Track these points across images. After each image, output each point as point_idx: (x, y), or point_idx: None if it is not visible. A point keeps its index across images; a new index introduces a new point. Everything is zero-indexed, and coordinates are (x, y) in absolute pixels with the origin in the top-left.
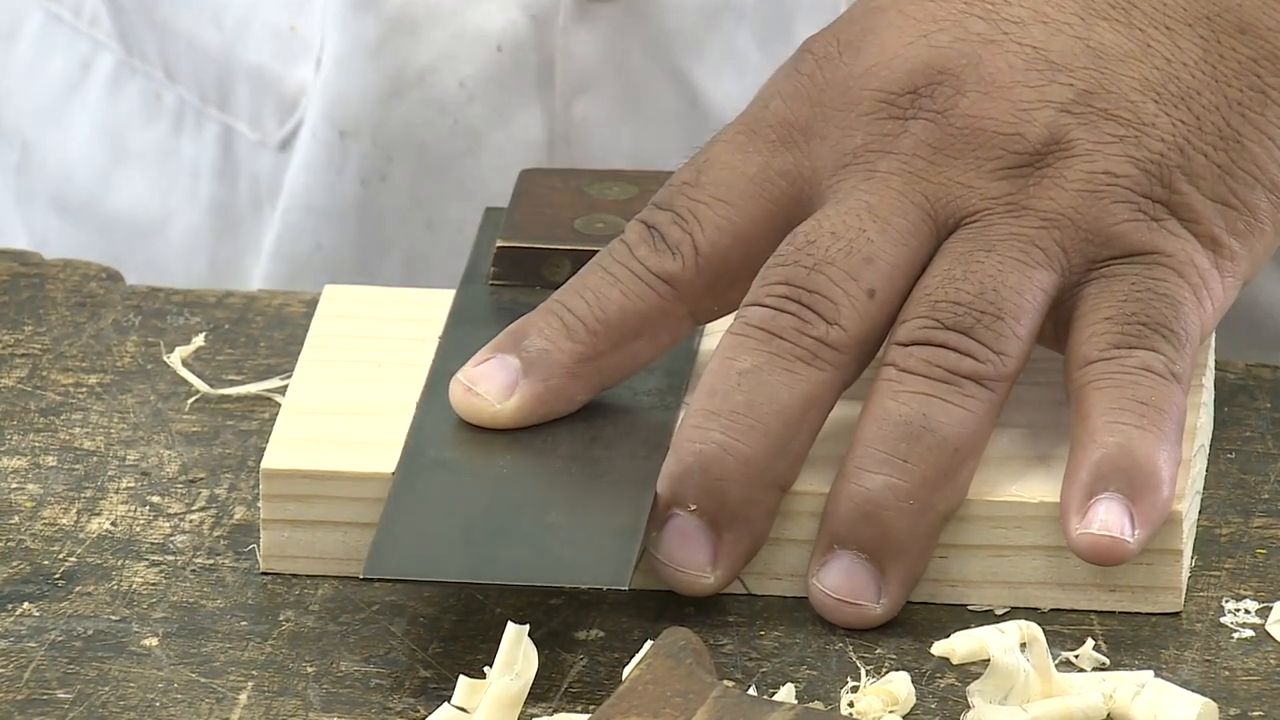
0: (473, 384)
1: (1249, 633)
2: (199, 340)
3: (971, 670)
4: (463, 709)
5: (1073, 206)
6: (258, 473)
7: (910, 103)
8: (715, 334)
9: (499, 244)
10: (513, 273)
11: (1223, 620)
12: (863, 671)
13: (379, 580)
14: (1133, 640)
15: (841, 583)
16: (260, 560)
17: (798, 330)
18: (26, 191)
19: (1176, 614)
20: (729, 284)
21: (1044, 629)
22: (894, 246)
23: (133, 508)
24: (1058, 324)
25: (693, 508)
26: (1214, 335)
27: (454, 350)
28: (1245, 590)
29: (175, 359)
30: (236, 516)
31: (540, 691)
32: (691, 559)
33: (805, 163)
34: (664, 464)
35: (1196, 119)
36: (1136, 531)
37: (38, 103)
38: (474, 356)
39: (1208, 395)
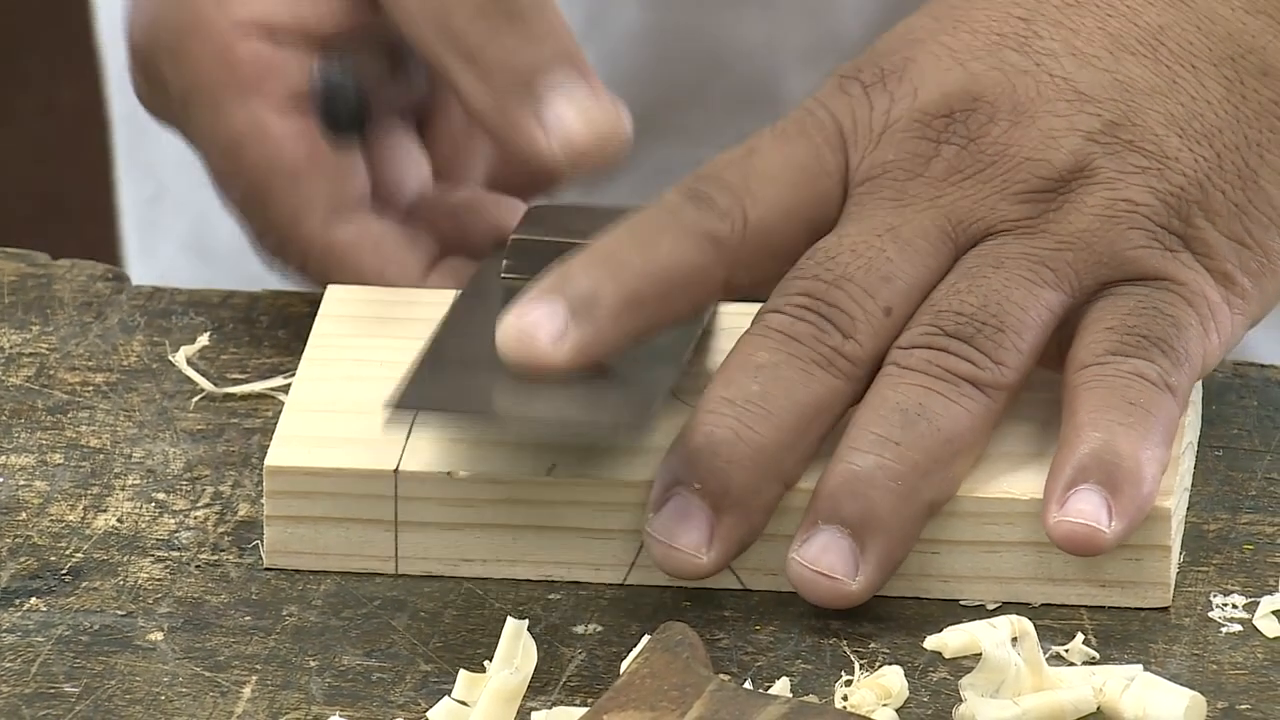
0: (524, 331)
1: (1236, 627)
2: (204, 339)
3: (963, 664)
4: (463, 703)
5: (1089, 230)
6: (261, 470)
7: (944, 126)
8: (726, 331)
9: (513, 236)
10: (525, 266)
11: (1210, 615)
12: (856, 665)
13: (406, 408)
14: (1122, 635)
15: (819, 555)
16: (264, 556)
17: (815, 338)
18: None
19: (1165, 609)
20: (768, 258)
21: (1034, 624)
22: (912, 267)
23: (138, 504)
24: (1062, 343)
25: (696, 486)
26: None
27: (461, 322)
28: (1232, 585)
29: (180, 358)
30: (240, 513)
31: (539, 685)
32: (688, 537)
33: (843, 167)
34: (672, 445)
35: (1218, 156)
36: (1113, 523)
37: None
38: (521, 302)
39: (1196, 394)
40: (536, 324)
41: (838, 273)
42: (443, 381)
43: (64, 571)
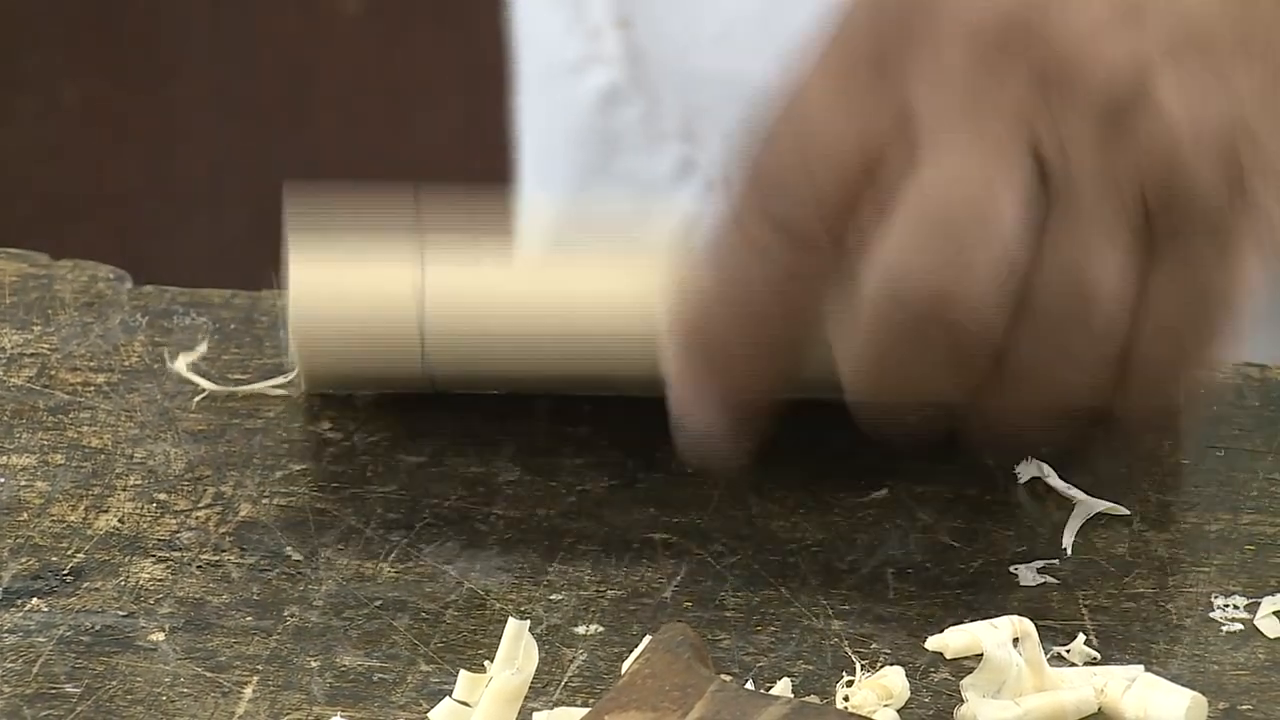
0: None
1: (1238, 627)
2: (202, 348)
3: (965, 665)
4: (464, 703)
5: (1162, 148)
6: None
7: (1001, 44)
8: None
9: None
10: None
11: (1211, 615)
12: (858, 666)
13: None
14: (1123, 635)
15: None
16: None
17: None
18: None
19: (1166, 609)
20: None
21: (1036, 624)
22: (1018, 205)
23: (140, 505)
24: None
25: None
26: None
27: None
28: (1234, 586)
29: (180, 365)
30: (242, 513)
31: (540, 686)
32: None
33: (904, 99)
34: None
35: (1273, 74)
36: None
37: None
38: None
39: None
40: (701, 419)
41: (956, 235)
42: None
43: (65, 572)
